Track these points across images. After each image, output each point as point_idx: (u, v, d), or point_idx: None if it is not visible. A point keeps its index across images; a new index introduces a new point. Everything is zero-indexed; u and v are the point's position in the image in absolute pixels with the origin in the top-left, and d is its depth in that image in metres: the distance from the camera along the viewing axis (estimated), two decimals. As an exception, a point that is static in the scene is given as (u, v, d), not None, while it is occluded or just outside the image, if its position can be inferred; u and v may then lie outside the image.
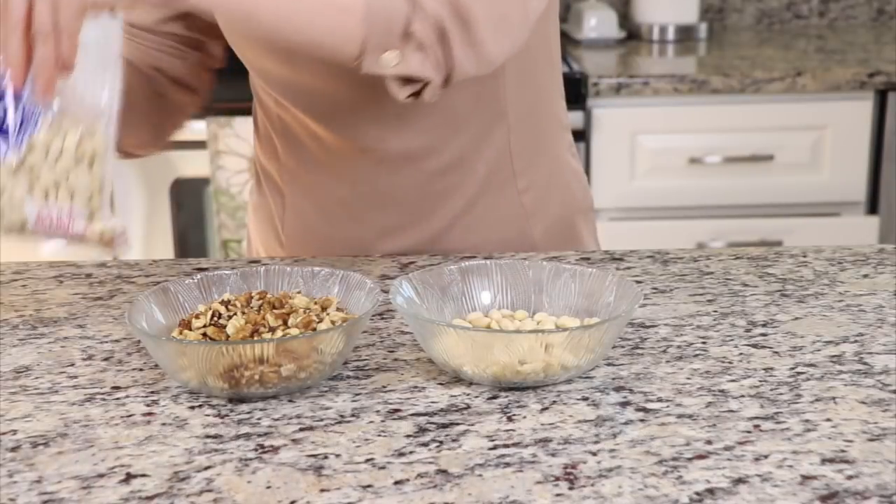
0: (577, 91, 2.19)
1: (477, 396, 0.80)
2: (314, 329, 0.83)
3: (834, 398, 0.79)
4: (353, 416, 0.78)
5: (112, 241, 0.90)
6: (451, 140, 1.13)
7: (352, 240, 1.16)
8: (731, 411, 0.77)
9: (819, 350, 0.88)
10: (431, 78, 0.94)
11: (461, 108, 1.11)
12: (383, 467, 0.71)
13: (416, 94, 0.96)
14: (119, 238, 0.90)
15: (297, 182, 1.18)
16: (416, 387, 0.82)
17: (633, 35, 2.62)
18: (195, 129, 2.18)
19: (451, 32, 0.93)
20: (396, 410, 0.79)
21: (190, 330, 0.84)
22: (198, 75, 1.20)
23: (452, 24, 0.93)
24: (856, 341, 0.90)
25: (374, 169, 1.13)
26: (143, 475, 0.70)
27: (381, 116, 1.10)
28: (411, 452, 0.72)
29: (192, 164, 2.24)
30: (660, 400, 0.79)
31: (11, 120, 0.86)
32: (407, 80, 0.95)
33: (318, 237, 1.18)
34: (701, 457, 0.71)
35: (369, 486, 0.68)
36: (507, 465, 0.71)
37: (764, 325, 0.93)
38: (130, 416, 0.79)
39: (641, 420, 0.76)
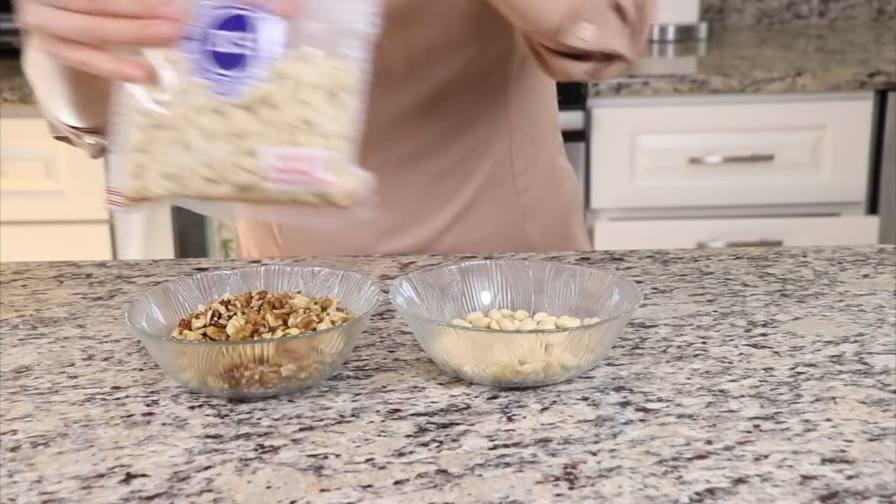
0: (576, 91, 2.19)
1: (477, 396, 0.80)
2: (314, 329, 0.83)
3: (834, 398, 0.79)
4: (353, 416, 0.78)
5: (355, 200, 0.75)
6: (458, 140, 1.13)
7: (351, 240, 1.16)
8: (731, 411, 0.77)
9: (819, 350, 0.88)
10: (626, 55, 0.92)
11: (471, 108, 1.11)
12: (383, 467, 0.71)
13: (594, 73, 0.93)
14: (364, 197, 0.76)
15: None
16: (416, 387, 0.82)
17: (633, 35, 2.62)
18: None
19: (646, 11, 0.91)
20: (396, 410, 0.79)
21: (190, 330, 0.84)
22: None
23: (645, 2, 0.91)
24: (856, 341, 0.90)
25: (379, 168, 1.13)
26: (144, 475, 0.70)
27: (395, 115, 1.10)
28: (411, 452, 0.72)
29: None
30: (660, 400, 0.79)
31: (252, 44, 0.71)
32: (590, 57, 0.91)
33: (317, 238, 1.18)
34: (701, 457, 0.71)
35: (369, 486, 0.68)
36: (507, 465, 0.71)
37: (764, 325, 0.93)
38: (130, 416, 0.79)
39: (641, 420, 0.76)
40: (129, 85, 0.73)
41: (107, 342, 0.92)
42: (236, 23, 0.72)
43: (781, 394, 0.80)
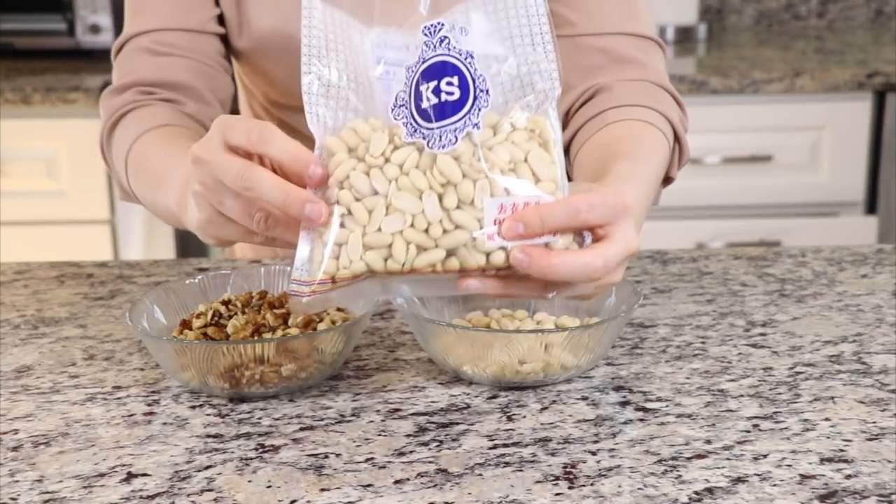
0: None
1: (477, 396, 0.81)
2: (314, 329, 0.83)
3: (833, 398, 0.80)
4: (353, 415, 0.78)
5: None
6: None
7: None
8: (731, 411, 0.78)
9: (818, 350, 0.88)
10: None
11: None
12: (383, 467, 0.71)
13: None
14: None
15: None
16: (416, 386, 0.82)
17: (632, 35, 2.62)
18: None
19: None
20: (396, 410, 0.79)
21: (190, 330, 0.84)
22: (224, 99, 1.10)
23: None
24: (854, 341, 0.90)
25: None
26: (144, 474, 0.71)
27: None
28: (411, 452, 0.73)
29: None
30: (659, 399, 0.80)
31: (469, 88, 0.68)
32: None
33: None
34: (700, 456, 0.71)
35: (369, 485, 0.69)
36: (507, 464, 0.71)
37: (763, 325, 0.93)
38: (131, 415, 0.79)
39: (641, 420, 0.77)
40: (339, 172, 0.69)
41: (108, 342, 0.93)
42: (441, 70, 0.69)
43: (780, 393, 0.80)
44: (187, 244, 2.36)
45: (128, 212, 2.23)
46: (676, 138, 0.97)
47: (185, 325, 0.85)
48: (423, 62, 0.70)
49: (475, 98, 0.69)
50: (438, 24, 0.70)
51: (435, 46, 0.70)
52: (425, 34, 0.70)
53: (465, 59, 0.69)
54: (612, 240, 0.70)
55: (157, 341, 0.81)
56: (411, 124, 0.69)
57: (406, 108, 0.69)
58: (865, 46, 2.49)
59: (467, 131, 0.68)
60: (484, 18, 0.71)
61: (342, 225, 0.68)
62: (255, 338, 0.82)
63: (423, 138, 0.68)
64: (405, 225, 0.67)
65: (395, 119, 0.69)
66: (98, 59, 2.37)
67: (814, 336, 0.91)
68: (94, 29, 2.34)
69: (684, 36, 2.61)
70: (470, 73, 0.69)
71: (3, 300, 1.03)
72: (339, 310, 0.87)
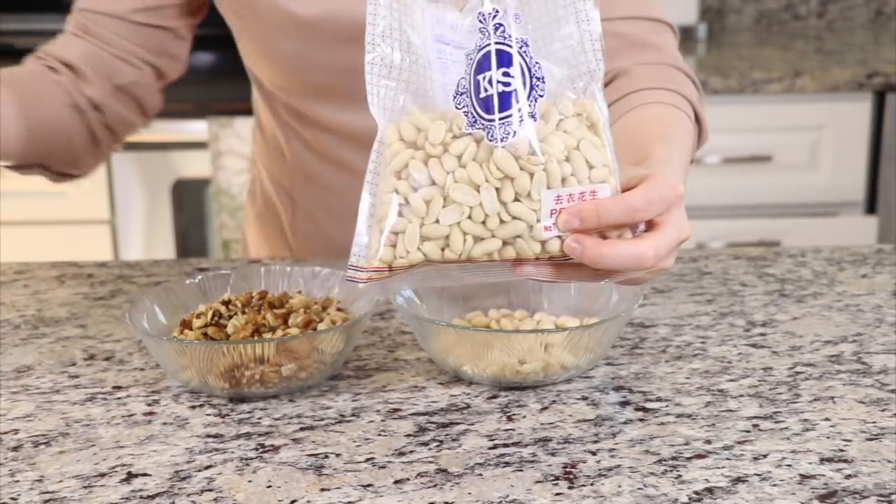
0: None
1: (477, 396, 0.81)
2: (314, 329, 0.83)
3: (832, 398, 0.80)
4: (353, 415, 0.78)
5: None
6: None
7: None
8: (730, 411, 0.78)
9: (818, 350, 0.88)
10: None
11: None
12: (383, 467, 0.71)
13: None
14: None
15: (309, 187, 1.17)
16: (416, 386, 0.82)
17: (632, 36, 2.62)
18: (196, 129, 2.18)
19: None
20: (396, 410, 0.79)
21: (190, 330, 0.84)
22: (151, 93, 1.15)
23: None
24: (854, 341, 0.90)
25: None
26: (145, 474, 0.71)
27: None
28: (411, 452, 0.73)
29: (192, 165, 2.24)
30: (659, 399, 0.80)
31: (518, 82, 0.68)
32: None
33: (331, 243, 1.17)
34: (700, 456, 0.71)
35: (369, 485, 0.69)
36: (507, 464, 0.71)
37: (763, 325, 0.93)
38: (131, 415, 0.79)
39: (641, 419, 0.77)
40: (398, 159, 0.69)
41: (108, 342, 0.93)
42: (498, 59, 0.69)
43: (780, 393, 0.80)
44: (188, 244, 2.36)
45: (128, 212, 2.23)
46: (697, 119, 0.98)
47: (185, 325, 0.85)
48: (480, 50, 0.69)
49: (532, 87, 0.69)
50: (494, 10, 0.70)
51: (490, 34, 0.69)
52: (480, 21, 0.70)
53: (521, 47, 0.69)
54: (665, 228, 0.71)
55: (157, 341, 0.81)
56: (471, 114, 0.69)
57: (467, 95, 0.69)
58: (865, 46, 2.49)
59: (525, 122, 0.68)
60: (533, 3, 0.71)
61: (400, 214, 0.68)
62: (255, 338, 0.82)
63: (483, 129, 0.68)
64: (463, 217, 0.67)
65: (457, 108, 0.69)
66: (98, 59, 2.37)
67: (814, 336, 0.91)
68: (94, 29, 2.34)
69: (684, 36, 2.61)
70: (525, 61, 0.69)
71: (3, 300, 1.03)
72: (339, 310, 0.87)
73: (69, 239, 2.25)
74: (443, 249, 0.68)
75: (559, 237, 0.68)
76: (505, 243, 0.68)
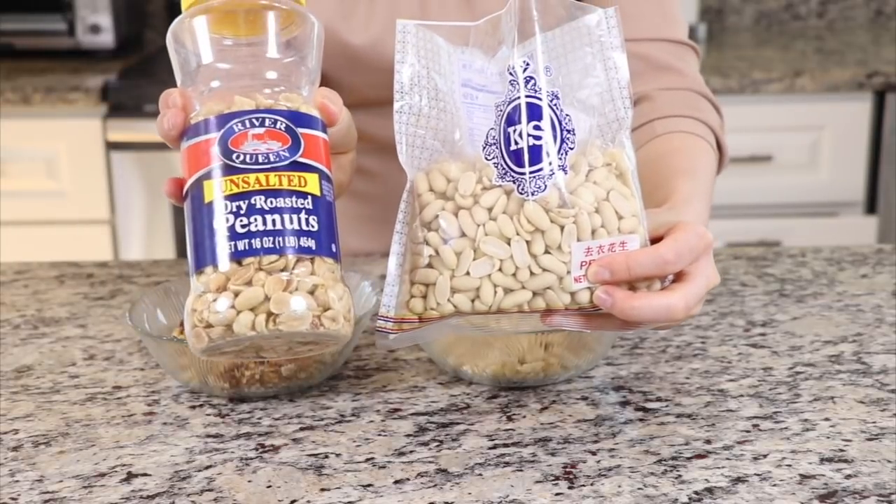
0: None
1: (477, 396, 0.81)
2: (314, 329, 0.83)
3: (832, 398, 0.80)
4: (353, 415, 0.78)
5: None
6: None
7: (352, 241, 1.16)
8: (730, 411, 0.78)
9: (818, 350, 0.88)
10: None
11: None
12: (383, 467, 0.71)
13: None
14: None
15: None
16: (416, 386, 0.82)
17: (632, 36, 2.62)
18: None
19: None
20: (396, 410, 0.79)
21: (191, 330, 0.84)
22: None
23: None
24: (854, 341, 0.90)
25: (387, 170, 1.13)
26: (144, 474, 0.71)
27: None
28: (411, 452, 0.73)
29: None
30: (659, 399, 0.80)
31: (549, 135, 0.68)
32: None
33: (342, 247, 1.17)
34: (700, 456, 0.71)
35: (369, 485, 0.69)
36: (507, 464, 0.71)
37: (763, 325, 0.93)
38: (131, 415, 0.79)
39: (641, 419, 0.77)
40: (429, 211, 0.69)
41: (108, 342, 0.93)
42: (529, 112, 0.68)
43: (780, 393, 0.80)
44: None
45: (128, 212, 2.23)
46: (718, 145, 0.98)
47: (185, 325, 0.85)
48: (510, 102, 0.69)
49: (563, 140, 0.68)
50: (525, 63, 0.69)
51: (520, 86, 0.69)
52: (510, 73, 0.69)
53: (552, 101, 0.69)
54: (694, 279, 0.70)
55: (157, 341, 0.81)
56: (502, 166, 0.68)
57: (497, 147, 0.69)
58: (865, 46, 2.50)
59: (556, 175, 0.68)
60: (561, 51, 0.71)
61: (429, 265, 0.68)
62: (255, 338, 0.82)
63: (513, 181, 0.68)
64: (493, 269, 0.67)
65: (487, 158, 0.69)
66: (98, 59, 2.37)
67: (814, 336, 0.91)
68: (94, 29, 2.34)
69: (684, 36, 2.61)
70: (556, 114, 0.69)
71: (3, 300, 1.03)
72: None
73: (69, 239, 2.25)
74: (473, 301, 0.68)
75: (589, 288, 0.68)
76: (535, 295, 0.68)
